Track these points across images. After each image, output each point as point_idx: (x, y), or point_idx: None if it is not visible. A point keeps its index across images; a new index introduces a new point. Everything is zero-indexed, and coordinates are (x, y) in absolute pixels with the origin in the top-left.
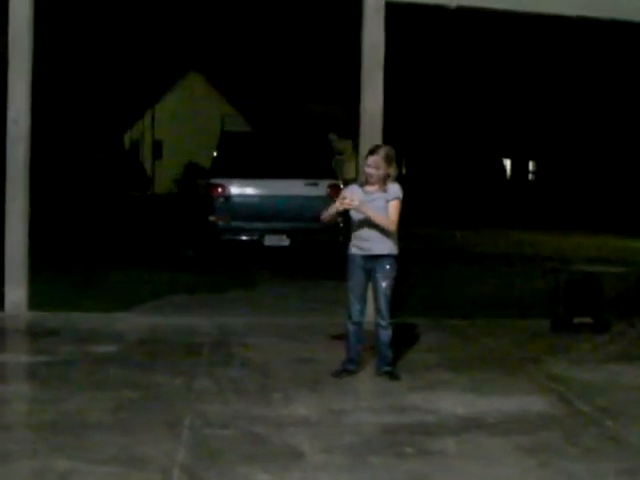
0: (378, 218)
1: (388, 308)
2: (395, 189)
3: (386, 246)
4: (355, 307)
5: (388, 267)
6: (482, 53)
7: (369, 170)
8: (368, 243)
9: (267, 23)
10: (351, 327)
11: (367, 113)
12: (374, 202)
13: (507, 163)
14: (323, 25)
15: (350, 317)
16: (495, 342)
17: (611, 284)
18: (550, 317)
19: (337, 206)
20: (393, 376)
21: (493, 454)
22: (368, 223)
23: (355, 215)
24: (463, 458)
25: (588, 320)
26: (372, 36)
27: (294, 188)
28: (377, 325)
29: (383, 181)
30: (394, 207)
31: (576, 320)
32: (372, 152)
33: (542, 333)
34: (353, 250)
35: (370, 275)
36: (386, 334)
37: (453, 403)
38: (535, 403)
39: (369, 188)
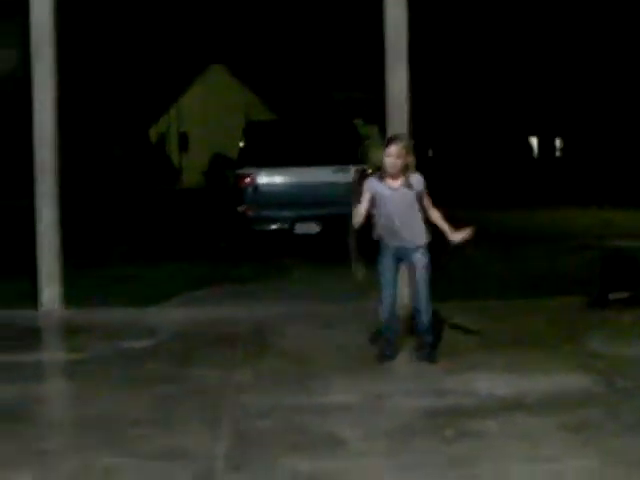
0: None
1: (427, 293)
2: (420, 179)
3: (420, 236)
4: (387, 292)
5: (422, 254)
6: (508, 30)
7: (391, 160)
8: (401, 235)
9: (289, 11)
10: (386, 314)
11: (392, 97)
12: (405, 197)
13: (534, 141)
14: (345, 11)
15: (383, 302)
16: (531, 321)
17: None
18: (586, 294)
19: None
20: (432, 359)
21: (535, 434)
22: (398, 211)
23: (384, 208)
24: (506, 439)
25: (625, 295)
26: (395, 18)
27: (322, 175)
28: (416, 310)
29: (403, 172)
30: (428, 198)
31: (613, 296)
32: (392, 142)
33: (578, 310)
34: (384, 237)
35: (402, 261)
36: (426, 319)
37: (492, 384)
38: (575, 381)
39: (391, 182)
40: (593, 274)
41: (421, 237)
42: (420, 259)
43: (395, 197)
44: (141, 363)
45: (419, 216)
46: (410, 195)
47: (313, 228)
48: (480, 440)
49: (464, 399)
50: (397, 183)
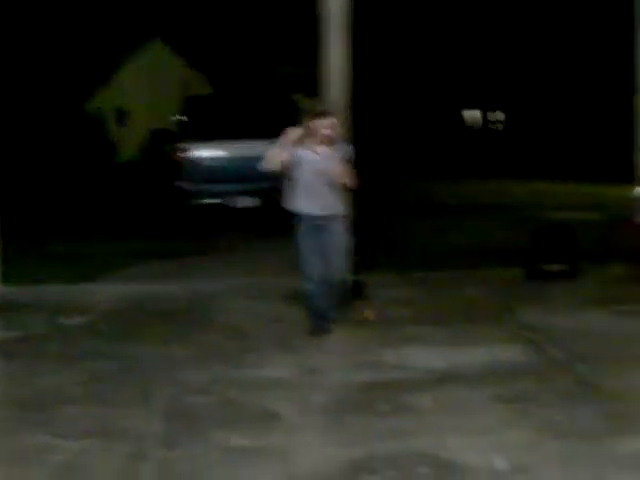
0: (335, 174)
1: (342, 264)
2: (346, 149)
3: (339, 205)
4: (316, 266)
5: (341, 224)
6: (450, 6)
7: (327, 132)
8: (322, 201)
9: None
10: (314, 286)
11: (332, 70)
12: (328, 165)
13: (477, 114)
14: None
15: (311, 277)
16: (468, 293)
17: (583, 231)
18: (523, 266)
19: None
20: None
21: (471, 406)
22: (321, 179)
23: (305, 172)
24: (442, 412)
25: (561, 267)
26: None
27: (261, 148)
28: (330, 278)
29: (332, 142)
30: (345, 164)
31: (549, 267)
32: (325, 114)
33: (516, 282)
34: (304, 208)
35: (321, 231)
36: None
37: (427, 357)
38: (510, 353)
39: (317, 149)
40: (529, 246)
41: (342, 205)
42: (338, 228)
43: (319, 164)
44: (78, 340)
45: (338, 186)
46: (333, 164)
47: (252, 202)
48: (416, 414)
49: (400, 372)
50: (324, 152)
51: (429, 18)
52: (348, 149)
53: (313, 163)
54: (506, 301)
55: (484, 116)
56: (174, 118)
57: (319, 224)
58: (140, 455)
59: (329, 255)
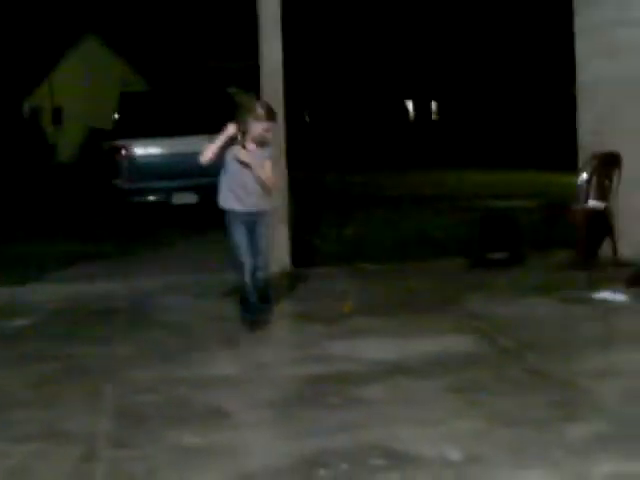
0: (263, 174)
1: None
2: (271, 149)
3: (268, 202)
4: (249, 260)
5: (267, 221)
6: None
7: (267, 135)
8: (252, 198)
9: None
10: (248, 279)
11: (268, 64)
12: (260, 163)
13: (409, 104)
14: None
15: (245, 271)
16: (412, 284)
17: (524, 218)
18: (467, 255)
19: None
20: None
21: (422, 397)
22: (251, 177)
23: (235, 167)
24: (392, 403)
25: (503, 255)
26: None
27: (198, 144)
28: (257, 268)
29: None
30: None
31: (491, 255)
32: (271, 117)
33: (459, 271)
34: (234, 206)
35: (251, 225)
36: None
37: (376, 349)
38: (458, 342)
39: (250, 148)
40: (472, 235)
41: (267, 202)
42: (266, 224)
43: (253, 164)
44: (19, 342)
45: (264, 185)
46: (263, 162)
47: (190, 198)
48: (367, 406)
49: (348, 365)
50: (255, 150)
51: (366, 8)
52: (271, 148)
53: (243, 160)
54: (451, 291)
55: (419, 106)
56: (110, 117)
57: (247, 220)
58: (91, 456)
59: (257, 250)
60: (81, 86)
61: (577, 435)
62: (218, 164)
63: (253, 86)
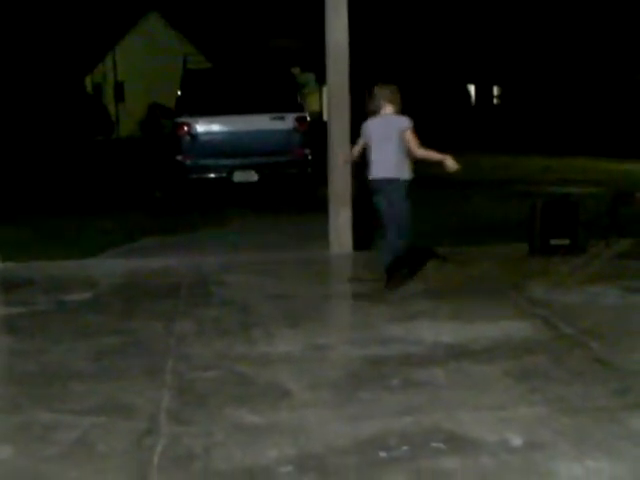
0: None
1: None
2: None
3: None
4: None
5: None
6: None
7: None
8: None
9: None
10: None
11: (333, 45)
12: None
13: (472, 89)
14: None
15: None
16: (473, 268)
17: (584, 205)
18: (527, 241)
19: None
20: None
21: (482, 382)
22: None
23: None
24: (452, 387)
25: (565, 242)
26: None
27: (260, 123)
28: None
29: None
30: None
31: (553, 242)
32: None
33: (520, 257)
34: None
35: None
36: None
37: (436, 332)
38: (519, 328)
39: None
40: (534, 221)
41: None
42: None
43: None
44: (81, 316)
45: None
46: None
47: (251, 176)
48: (427, 389)
49: (409, 347)
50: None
51: None
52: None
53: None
54: (513, 277)
55: (481, 91)
56: (174, 93)
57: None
58: (152, 431)
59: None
60: (143, 63)
61: (639, 424)
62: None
63: (316, 66)
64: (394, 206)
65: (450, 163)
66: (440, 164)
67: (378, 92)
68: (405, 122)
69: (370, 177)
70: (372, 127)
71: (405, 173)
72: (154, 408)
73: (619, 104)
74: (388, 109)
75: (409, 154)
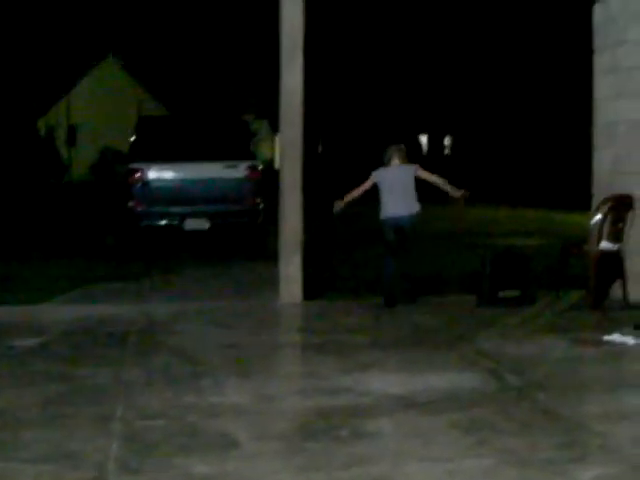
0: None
1: None
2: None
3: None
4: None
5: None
6: (399, 31)
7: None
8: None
9: (182, 5)
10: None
11: (287, 94)
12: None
13: (423, 139)
14: (239, 6)
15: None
16: (422, 320)
17: (533, 257)
18: (476, 292)
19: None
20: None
21: (430, 433)
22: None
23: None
24: (400, 438)
25: (514, 294)
26: (291, 15)
27: (213, 171)
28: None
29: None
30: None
31: (502, 294)
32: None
33: (468, 309)
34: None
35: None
36: None
37: (385, 383)
38: (467, 380)
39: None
40: (483, 272)
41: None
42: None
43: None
44: (29, 362)
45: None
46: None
47: (203, 224)
48: (375, 440)
49: (358, 398)
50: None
51: (380, 45)
52: None
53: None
54: (461, 328)
55: (434, 141)
56: (127, 139)
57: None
58: None
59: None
60: (97, 107)
61: (585, 478)
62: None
63: (270, 113)
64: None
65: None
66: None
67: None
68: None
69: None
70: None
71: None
72: (102, 456)
73: (567, 156)
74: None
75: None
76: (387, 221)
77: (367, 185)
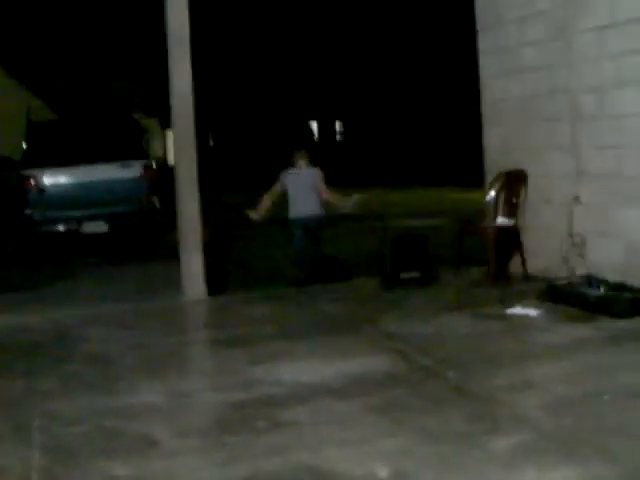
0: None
1: None
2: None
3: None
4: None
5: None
6: (289, 21)
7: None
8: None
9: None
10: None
11: (177, 93)
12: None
13: (314, 125)
14: (120, 3)
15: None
16: (327, 306)
17: (433, 236)
18: (379, 275)
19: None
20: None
21: (345, 418)
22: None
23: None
24: (317, 425)
25: (415, 275)
26: (176, 17)
27: (107, 172)
28: None
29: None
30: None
31: (404, 276)
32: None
33: (372, 292)
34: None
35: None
36: None
37: (296, 372)
38: (377, 362)
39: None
40: (384, 255)
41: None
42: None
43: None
44: None
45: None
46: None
47: (101, 227)
48: (292, 428)
49: (271, 389)
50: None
51: (267, 30)
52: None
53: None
54: (366, 312)
55: (325, 127)
56: (18, 147)
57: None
58: None
59: None
60: None
61: (500, 447)
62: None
63: (159, 110)
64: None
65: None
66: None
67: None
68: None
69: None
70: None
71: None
72: (25, 467)
73: (459, 134)
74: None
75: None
76: (294, 221)
77: (277, 188)
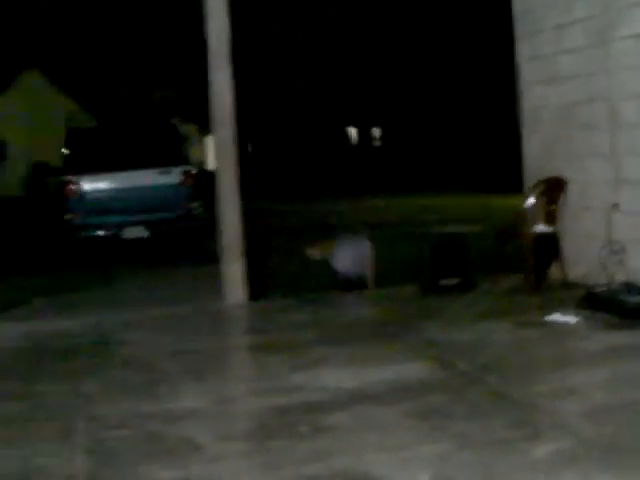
0: None
1: None
2: None
3: None
4: None
5: None
6: (328, 27)
7: None
8: None
9: (103, 12)
10: None
11: (217, 97)
12: None
13: (353, 131)
14: (163, 11)
15: None
16: (367, 312)
17: (472, 243)
18: (419, 281)
19: None
20: None
21: (386, 423)
22: None
23: None
24: (358, 430)
25: (455, 281)
26: (216, 21)
27: (147, 178)
28: None
29: None
30: None
31: (443, 282)
32: None
33: (411, 298)
34: None
35: None
36: None
37: (337, 378)
38: (417, 369)
39: None
40: (424, 261)
41: None
42: None
43: None
44: None
45: None
46: None
47: (141, 232)
48: (334, 433)
49: (312, 394)
50: None
51: (309, 37)
52: None
53: None
54: (406, 318)
55: (363, 133)
56: (58, 152)
57: None
58: None
59: None
60: (24, 121)
61: (540, 454)
62: None
63: (198, 116)
64: None
65: None
66: None
67: None
68: None
69: None
70: None
71: None
72: (71, 469)
73: (499, 141)
74: None
75: None
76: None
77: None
